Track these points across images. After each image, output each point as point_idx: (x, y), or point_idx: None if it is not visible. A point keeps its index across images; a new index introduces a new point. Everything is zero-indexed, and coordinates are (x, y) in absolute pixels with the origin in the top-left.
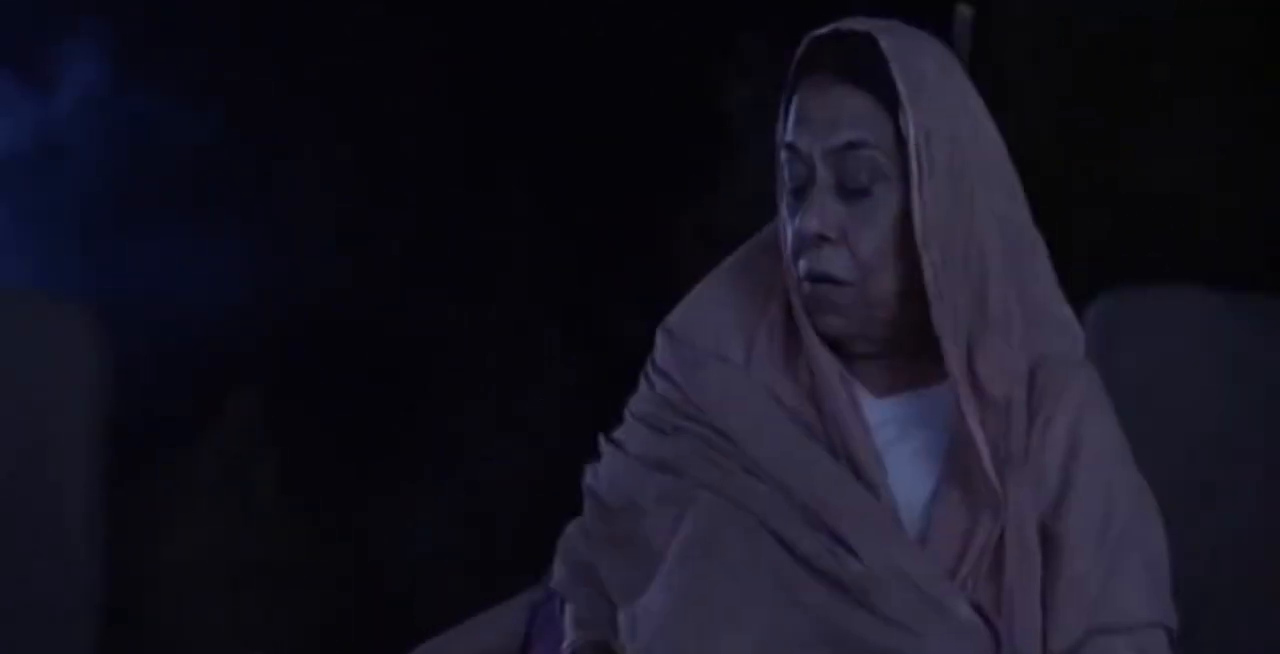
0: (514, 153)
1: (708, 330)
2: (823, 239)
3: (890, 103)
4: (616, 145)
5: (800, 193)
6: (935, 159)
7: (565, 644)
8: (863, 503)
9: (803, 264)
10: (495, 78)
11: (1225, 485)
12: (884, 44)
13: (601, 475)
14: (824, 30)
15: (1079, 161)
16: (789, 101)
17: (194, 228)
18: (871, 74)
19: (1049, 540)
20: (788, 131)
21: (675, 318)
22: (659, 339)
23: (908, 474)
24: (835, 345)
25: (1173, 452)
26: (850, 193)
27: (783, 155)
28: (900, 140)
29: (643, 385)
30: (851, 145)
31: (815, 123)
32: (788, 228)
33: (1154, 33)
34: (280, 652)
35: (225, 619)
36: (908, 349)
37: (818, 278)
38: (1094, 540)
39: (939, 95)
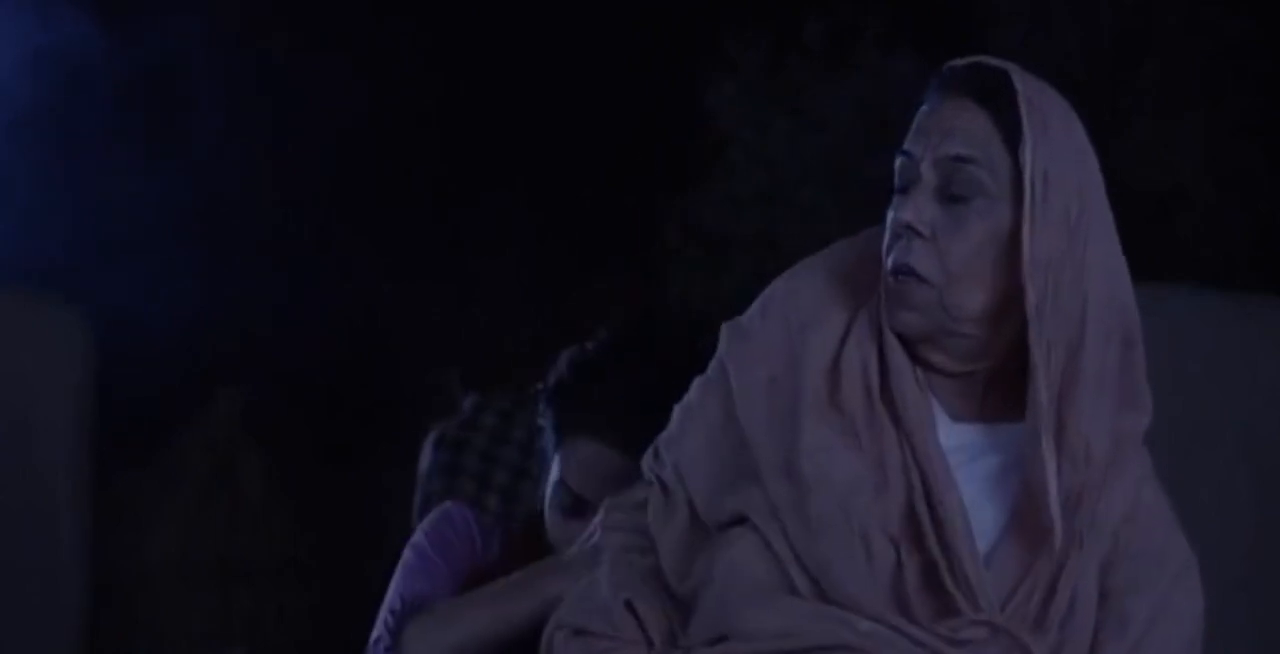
0: (500, 151)
1: (806, 302)
2: (914, 233)
3: (1009, 133)
4: (602, 142)
5: (904, 191)
6: (1051, 200)
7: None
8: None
9: (892, 256)
10: (481, 77)
11: (1211, 482)
12: (1016, 81)
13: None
14: (962, 61)
15: None
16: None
17: (182, 227)
18: (997, 104)
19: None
20: (907, 140)
21: (769, 299)
22: (725, 333)
23: (970, 500)
24: (913, 356)
25: (1157, 448)
26: (950, 198)
27: (897, 162)
28: (1015, 173)
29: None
30: (960, 158)
31: (931, 132)
32: (886, 232)
33: (1145, 32)
34: (264, 646)
35: (210, 614)
36: (983, 377)
37: (902, 269)
38: (1137, 610)
39: (1062, 141)
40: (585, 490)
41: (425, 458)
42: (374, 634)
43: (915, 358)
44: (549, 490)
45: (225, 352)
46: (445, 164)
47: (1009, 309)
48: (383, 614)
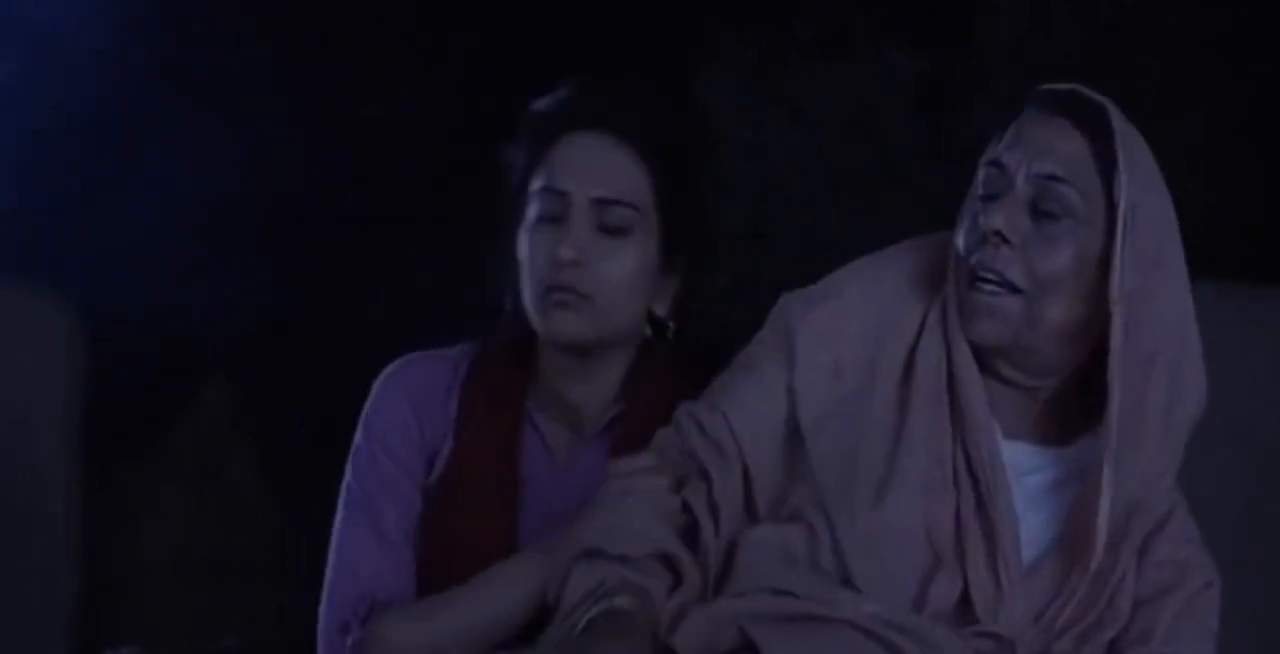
0: (494, 144)
1: (881, 299)
2: (1002, 240)
3: (1102, 163)
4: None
5: (991, 199)
6: (1140, 233)
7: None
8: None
9: (976, 259)
10: (466, 67)
11: (1209, 473)
12: (1112, 114)
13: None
14: (1062, 87)
15: None
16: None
17: (169, 216)
18: (1094, 132)
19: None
20: (999, 150)
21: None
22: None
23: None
24: (981, 366)
25: None
26: (1041, 213)
27: (983, 172)
28: (1104, 202)
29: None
30: (1055, 177)
31: (1029, 146)
32: (961, 236)
33: (1143, 30)
34: (255, 640)
35: (201, 608)
36: (1044, 396)
37: (989, 274)
38: (1160, 621)
39: (1148, 177)
40: (571, 184)
41: None
42: (336, 619)
43: (984, 367)
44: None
45: (216, 347)
46: (438, 158)
47: (1081, 332)
48: (339, 591)
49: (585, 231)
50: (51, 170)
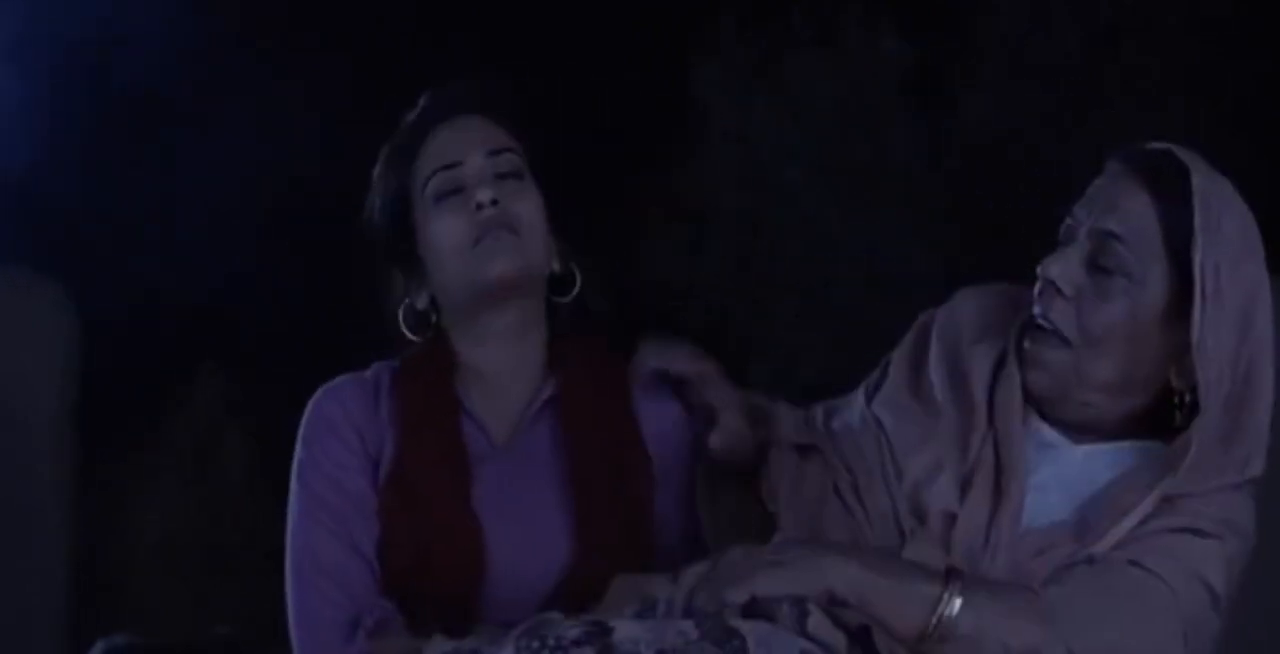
0: None
1: (974, 323)
2: (1056, 290)
3: (1173, 223)
4: (588, 123)
5: (1060, 246)
6: (1224, 296)
7: None
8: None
9: (1037, 307)
10: (469, 59)
11: None
12: (1195, 176)
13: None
14: (1151, 146)
15: (1047, 140)
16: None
17: (164, 207)
18: (1169, 193)
19: None
20: (1078, 204)
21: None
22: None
23: (1038, 496)
24: (1038, 412)
25: None
26: (1097, 268)
27: (1064, 222)
28: (1171, 262)
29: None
30: (1112, 235)
31: (1096, 203)
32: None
33: (1134, 20)
34: (249, 629)
35: (194, 596)
36: (1094, 431)
37: (1042, 322)
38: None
39: (1234, 237)
40: (458, 152)
41: None
42: (337, 629)
43: (1040, 413)
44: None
45: (208, 335)
46: None
47: (1133, 389)
48: (324, 607)
49: (489, 180)
50: (50, 166)
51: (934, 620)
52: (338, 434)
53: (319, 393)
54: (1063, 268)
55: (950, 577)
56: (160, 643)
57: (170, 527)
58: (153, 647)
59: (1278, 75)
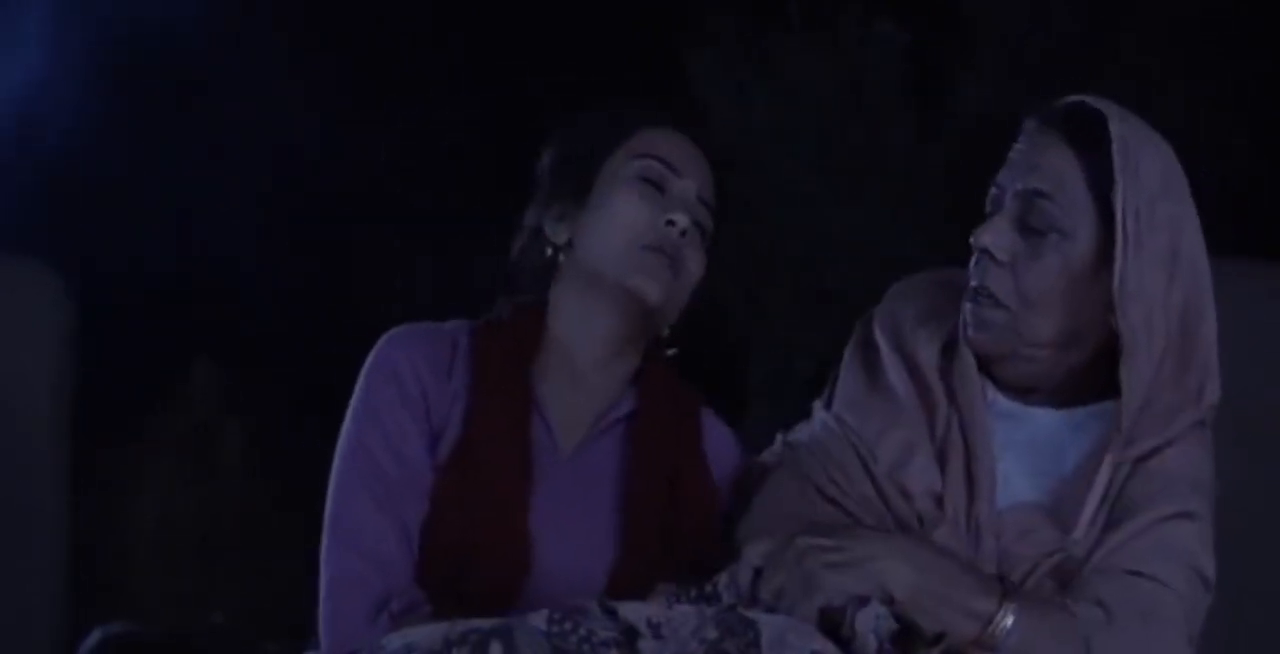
0: (481, 125)
1: (907, 319)
2: (990, 258)
3: (1095, 173)
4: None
5: (988, 218)
6: (1145, 239)
7: None
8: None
9: (974, 278)
10: (463, 50)
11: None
12: (1113, 125)
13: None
14: (1063, 101)
15: None
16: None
17: (160, 199)
18: (1087, 145)
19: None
20: (1000, 171)
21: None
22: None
23: (1009, 472)
24: (982, 369)
25: None
26: (1028, 229)
27: (990, 191)
28: (1098, 212)
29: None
30: (1039, 193)
31: (1018, 165)
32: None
33: (1129, 4)
34: (245, 615)
35: (191, 583)
36: (1046, 388)
37: (979, 290)
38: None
39: (1156, 181)
40: (674, 159)
41: None
42: (361, 609)
43: (984, 370)
44: (599, 215)
45: (204, 323)
46: (425, 138)
47: (1077, 340)
48: (361, 579)
49: (691, 209)
50: (51, 158)
51: (984, 633)
52: (403, 390)
53: (386, 338)
54: (994, 235)
55: (1006, 594)
56: (155, 631)
57: (166, 519)
58: (148, 635)
59: (1278, 71)
